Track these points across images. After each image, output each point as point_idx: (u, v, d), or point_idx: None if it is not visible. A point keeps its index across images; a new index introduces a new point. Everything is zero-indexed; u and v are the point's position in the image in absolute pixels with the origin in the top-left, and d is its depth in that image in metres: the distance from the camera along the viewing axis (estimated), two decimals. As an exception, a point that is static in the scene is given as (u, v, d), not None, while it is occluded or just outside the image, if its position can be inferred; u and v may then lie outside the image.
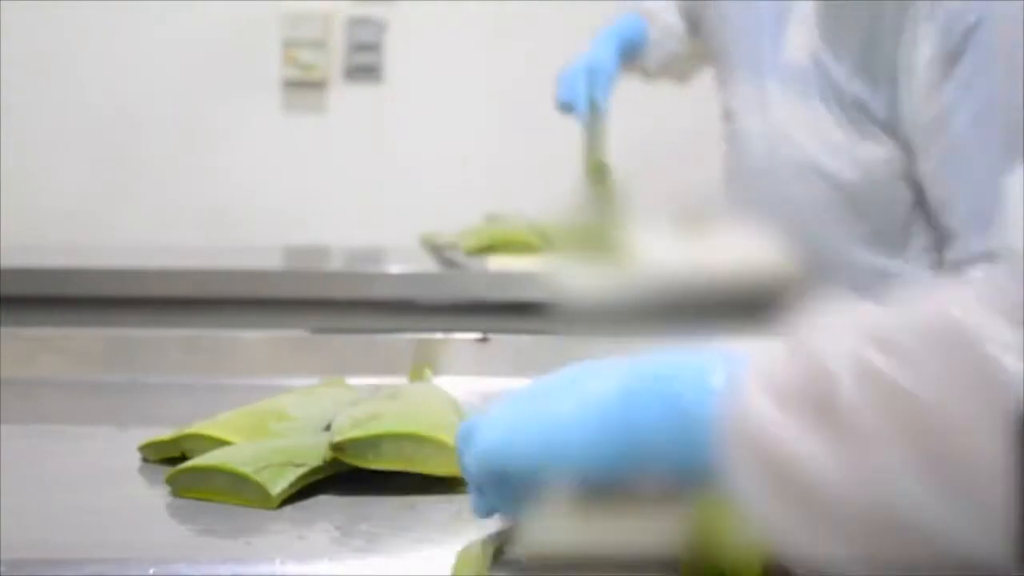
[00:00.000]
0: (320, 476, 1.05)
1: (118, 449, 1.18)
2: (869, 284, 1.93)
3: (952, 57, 1.84)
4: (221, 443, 1.12)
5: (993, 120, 1.83)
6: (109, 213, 3.51)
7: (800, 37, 1.98)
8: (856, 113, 1.92)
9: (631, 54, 2.21)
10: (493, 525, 0.97)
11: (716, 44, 2.16)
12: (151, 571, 0.89)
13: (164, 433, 1.16)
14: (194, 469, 1.06)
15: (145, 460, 1.16)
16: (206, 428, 1.15)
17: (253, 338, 1.42)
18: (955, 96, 1.84)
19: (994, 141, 1.84)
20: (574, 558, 0.88)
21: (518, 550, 0.90)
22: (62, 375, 1.50)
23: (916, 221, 1.94)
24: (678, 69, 2.31)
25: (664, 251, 1.92)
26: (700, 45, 2.24)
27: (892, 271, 1.93)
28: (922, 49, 1.85)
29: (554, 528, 0.90)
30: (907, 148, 1.89)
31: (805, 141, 1.97)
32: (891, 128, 1.90)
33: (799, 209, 1.98)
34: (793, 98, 1.98)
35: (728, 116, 2.13)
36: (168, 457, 1.14)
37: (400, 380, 1.41)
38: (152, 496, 1.06)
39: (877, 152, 1.91)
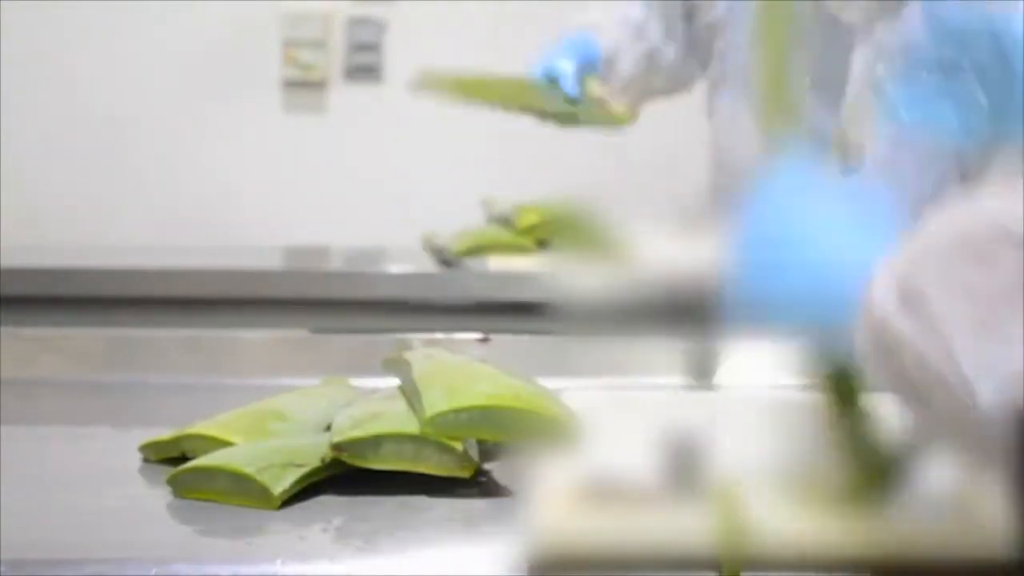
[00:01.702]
0: (320, 476, 1.05)
1: (118, 449, 1.18)
2: None
3: None
4: (221, 443, 1.12)
5: None
6: (109, 213, 3.50)
7: None
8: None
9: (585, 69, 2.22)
10: (490, 527, 0.97)
11: (707, 56, 2.18)
12: (151, 571, 0.89)
13: (164, 433, 1.16)
14: (196, 469, 1.06)
15: (146, 460, 1.16)
16: (206, 428, 1.15)
17: (253, 338, 1.42)
18: None
19: None
20: (582, 558, 0.88)
21: (527, 551, 0.90)
22: (62, 375, 1.50)
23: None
24: (638, 88, 2.31)
25: (664, 251, 1.92)
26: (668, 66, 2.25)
27: None
28: None
29: (564, 527, 0.90)
30: None
31: None
32: None
33: None
34: None
35: (714, 122, 2.15)
36: (168, 457, 1.14)
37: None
38: (152, 496, 1.06)
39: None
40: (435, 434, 1.05)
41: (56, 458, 1.19)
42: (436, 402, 1.07)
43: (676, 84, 2.30)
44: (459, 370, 1.13)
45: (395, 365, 1.19)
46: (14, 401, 1.39)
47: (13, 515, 1.00)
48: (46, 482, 1.11)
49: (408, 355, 1.19)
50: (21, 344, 1.51)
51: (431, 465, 1.05)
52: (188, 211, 3.51)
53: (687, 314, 1.73)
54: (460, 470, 1.06)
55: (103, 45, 3.52)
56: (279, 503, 1.01)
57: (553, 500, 0.93)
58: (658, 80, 2.29)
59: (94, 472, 1.14)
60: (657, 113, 2.34)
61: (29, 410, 1.40)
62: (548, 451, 1.04)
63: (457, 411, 1.06)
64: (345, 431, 1.06)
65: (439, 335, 1.56)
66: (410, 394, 1.11)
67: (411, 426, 1.06)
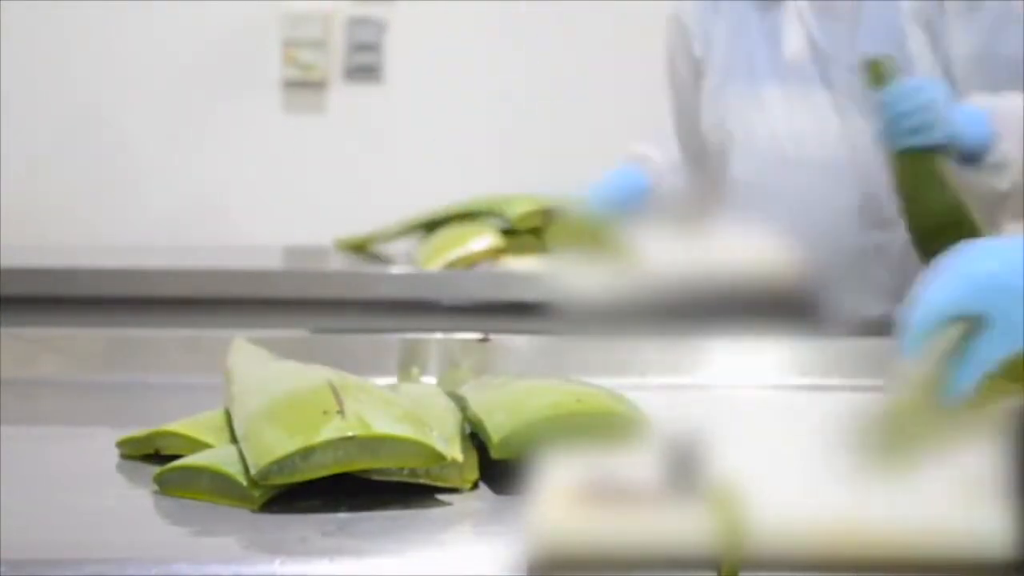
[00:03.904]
0: (305, 479, 1.03)
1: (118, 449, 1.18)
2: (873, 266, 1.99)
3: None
4: (193, 441, 1.13)
5: (991, 63, 1.92)
6: (109, 213, 3.50)
7: (796, 34, 2.03)
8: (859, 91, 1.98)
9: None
10: (490, 527, 0.97)
11: (706, 66, 2.18)
12: (151, 571, 0.89)
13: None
14: (181, 468, 1.06)
15: (123, 456, 1.16)
16: (179, 426, 1.15)
17: (253, 338, 1.42)
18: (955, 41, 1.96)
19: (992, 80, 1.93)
20: (582, 558, 0.88)
21: (525, 552, 0.90)
22: (62, 375, 1.50)
23: None
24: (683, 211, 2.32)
25: (664, 251, 1.92)
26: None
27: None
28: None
29: (564, 527, 0.90)
30: None
31: (807, 132, 2.02)
32: None
33: (811, 203, 2.01)
34: (794, 94, 2.02)
35: (721, 131, 2.15)
36: (146, 454, 1.15)
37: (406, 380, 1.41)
38: (152, 497, 1.06)
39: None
40: (507, 456, 1.06)
41: (56, 458, 1.19)
42: (501, 425, 1.07)
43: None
44: (514, 389, 1.13)
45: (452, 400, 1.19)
46: (14, 401, 1.39)
47: (13, 515, 1.00)
48: (46, 482, 1.11)
49: (462, 390, 1.19)
50: (21, 344, 1.51)
51: (431, 476, 1.05)
52: (188, 211, 3.51)
53: (688, 314, 1.73)
54: (460, 481, 1.06)
55: (103, 45, 3.52)
56: (260, 503, 1.01)
57: (553, 500, 0.93)
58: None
59: (94, 472, 1.14)
60: (658, 113, 2.34)
61: (29, 410, 1.40)
62: (619, 448, 1.04)
63: (522, 429, 1.06)
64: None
65: (439, 335, 1.56)
66: (475, 426, 1.12)
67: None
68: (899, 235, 1.95)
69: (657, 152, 2.27)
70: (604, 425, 1.07)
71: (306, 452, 1.00)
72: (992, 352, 0.96)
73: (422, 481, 1.04)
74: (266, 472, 1.00)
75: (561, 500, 0.93)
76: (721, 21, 2.15)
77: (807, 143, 2.02)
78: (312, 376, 1.11)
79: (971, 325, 0.96)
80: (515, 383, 1.15)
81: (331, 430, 1.01)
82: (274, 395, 1.08)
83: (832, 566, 0.87)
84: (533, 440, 1.05)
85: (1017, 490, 0.81)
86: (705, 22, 2.16)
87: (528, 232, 2.23)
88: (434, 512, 1.02)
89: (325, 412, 1.02)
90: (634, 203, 2.21)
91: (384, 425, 1.02)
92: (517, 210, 2.22)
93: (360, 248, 2.48)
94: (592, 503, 0.92)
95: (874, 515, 0.90)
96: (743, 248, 1.95)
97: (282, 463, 1.00)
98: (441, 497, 1.04)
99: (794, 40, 2.04)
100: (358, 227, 2.55)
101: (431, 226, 2.34)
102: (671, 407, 1.23)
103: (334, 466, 1.01)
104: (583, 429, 1.07)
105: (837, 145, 2.01)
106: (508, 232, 2.23)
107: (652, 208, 2.22)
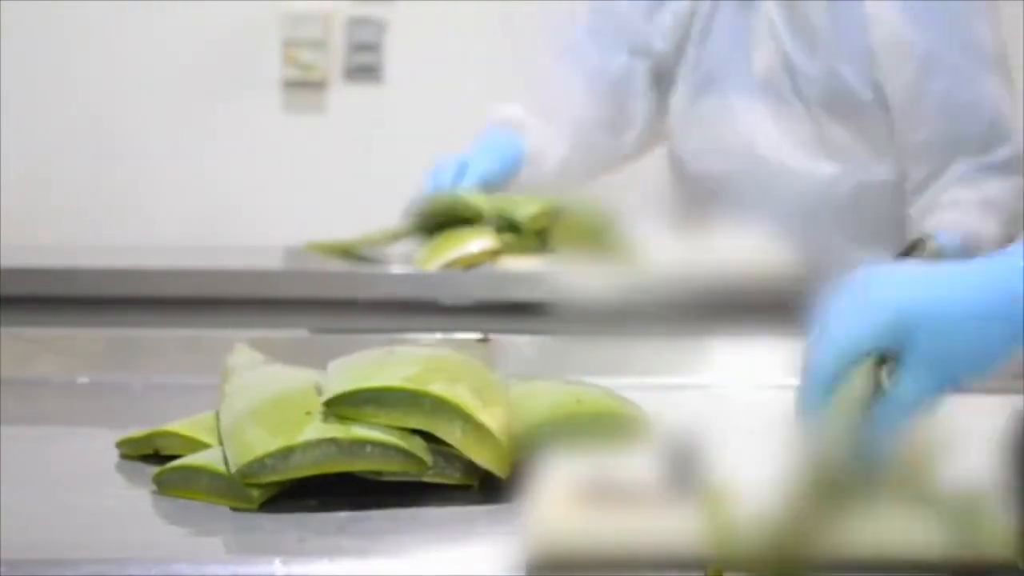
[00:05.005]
0: (302, 477, 1.03)
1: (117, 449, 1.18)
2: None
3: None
4: (192, 441, 1.13)
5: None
6: (109, 212, 3.51)
7: (767, 47, 2.03)
8: (836, 104, 1.98)
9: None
10: (489, 528, 0.97)
11: (672, 70, 2.19)
12: (151, 571, 0.89)
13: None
14: (179, 468, 1.06)
15: (122, 456, 1.16)
16: (179, 427, 1.15)
17: (253, 338, 1.42)
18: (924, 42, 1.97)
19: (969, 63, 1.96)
20: (581, 559, 0.88)
21: (524, 552, 0.89)
22: (62, 375, 1.49)
23: (898, 208, 1.99)
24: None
25: (665, 251, 1.92)
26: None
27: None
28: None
29: (562, 527, 0.90)
30: (888, 119, 1.96)
31: (779, 145, 2.02)
32: (875, 104, 1.96)
33: (779, 216, 2.01)
34: (762, 107, 2.02)
35: (678, 140, 2.16)
36: (145, 454, 1.15)
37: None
38: (151, 497, 1.06)
39: (849, 140, 1.97)
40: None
41: (56, 458, 1.19)
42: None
43: (644, 145, 2.31)
44: (514, 389, 1.13)
45: None
46: (14, 401, 1.39)
47: (13, 515, 1.00)
48: (46, 482, 1.11)
49: None
50: (21, 344, 1.51)
51: (431, 476, 1.05)
52: (188, 211, 3.51)
53: (688, 314, 1.73)
54: (464, 479, 1.06)
55: (103, 45, 3.52)
56: (259, 503, 1.01)
57: (553, 500, 0.93)
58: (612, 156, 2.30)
59: (94, 472, 1.14)
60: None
61: (29, 410, 1.40)
62: (619, 449, 1.04)
63: (522, 429, 1.06)
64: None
65: (439, 335, 1.56)
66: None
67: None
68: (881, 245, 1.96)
69: (531, 118, 2.25)
70: (604, 425, 1.07)
71: (286, 452, 1.00)
72: (917, 392, 0.86)
73: (423, 480, 1.04)
74: (246, 471, 1.00)
75: (561, 500, 0.93)
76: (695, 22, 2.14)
77: (784, 151, 2.02)
78: (299, 378, 1.11)
79: (880, 364, 0.86)
80: (515, 383, 1.15)
81: (312, 431, 1.01)
82: (261, 396, 1.08)
83: (829, 566, 0.87)
84: (533, 440, 1.05)
85: (1017, 491, 0.80)
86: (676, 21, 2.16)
87: (531, 232, 2.23)
88: (434, 512, 1.02)
89: (308, 413, 1.02)
90: (510, 172, 2.18)
91: (365, 428, 1.02)
92: (521, 212, 2.22)
93: (346, 253, 2.46)
94: (592, 503, 0.92)
95: (871, 515, 0.90)
96: (743, 248, 1.95)
97: (262, 462, 1.00)
98: (441, 497, 1.04)
99: (765, 55, 2.04)
100: (358, 227, 2.55)
101: (430, 227, 2.33)
102: (671, 407, 1.23)
103: (313, 467, 1.00)
104: (583, 429, 1.06)
105: (816, 154, 2.01)
106: (512, 229, 2.23)
107: (528, 178, 2.21)
